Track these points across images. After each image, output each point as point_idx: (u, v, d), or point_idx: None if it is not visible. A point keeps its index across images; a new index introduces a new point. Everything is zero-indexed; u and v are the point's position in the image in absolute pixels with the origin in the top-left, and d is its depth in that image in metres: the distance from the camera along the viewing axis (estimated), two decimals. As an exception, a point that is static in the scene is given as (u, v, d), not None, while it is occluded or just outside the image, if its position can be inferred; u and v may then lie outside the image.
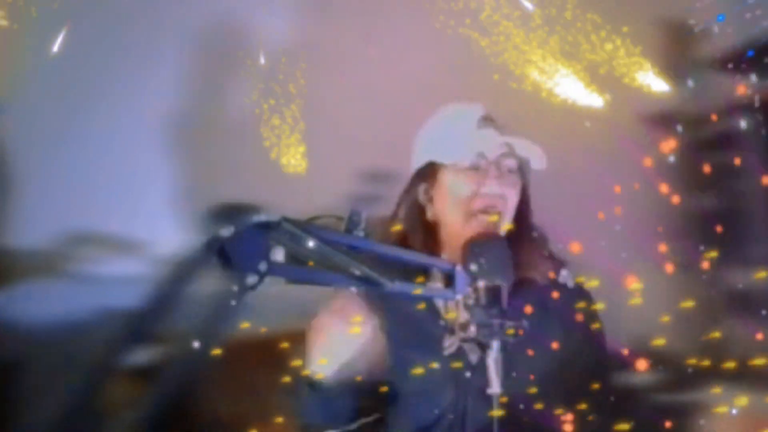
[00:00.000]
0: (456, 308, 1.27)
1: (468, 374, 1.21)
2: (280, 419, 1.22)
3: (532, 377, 1.21)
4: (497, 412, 1.00)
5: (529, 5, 2.22)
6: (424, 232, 1.31)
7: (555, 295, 1.30)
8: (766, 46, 2.42)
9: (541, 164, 1.31)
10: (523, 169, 1.33)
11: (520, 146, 1.29)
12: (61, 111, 1.94)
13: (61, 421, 0.62)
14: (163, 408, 0.65)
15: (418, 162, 1.34)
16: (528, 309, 1.23)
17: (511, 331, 0.98)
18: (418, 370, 1.22)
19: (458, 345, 1.24)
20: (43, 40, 1.92)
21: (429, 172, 1.32)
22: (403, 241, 1.30)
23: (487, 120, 1.31)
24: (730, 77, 2.62)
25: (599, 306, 1.32)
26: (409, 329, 1.26)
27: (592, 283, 1.28)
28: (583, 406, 1.23)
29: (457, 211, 1.27)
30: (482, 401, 1.07)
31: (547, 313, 1.27)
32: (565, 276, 1.34)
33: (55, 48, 1.92)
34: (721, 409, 1.00)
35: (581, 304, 1.31)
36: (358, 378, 1.21)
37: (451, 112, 1.35)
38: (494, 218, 1.26)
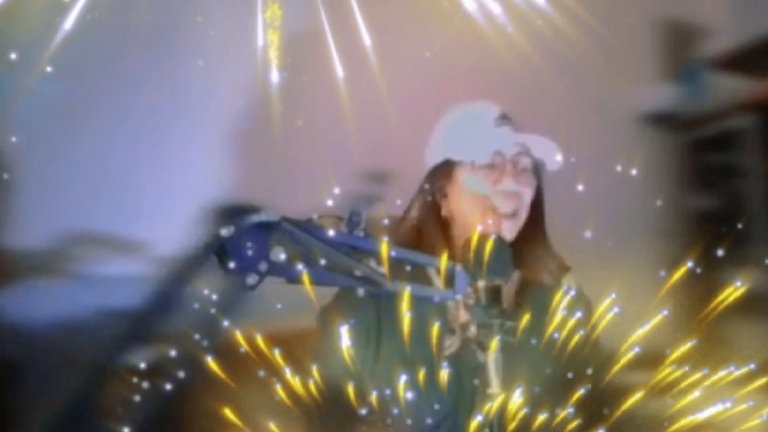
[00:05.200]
0: (456, 308, 1.28)
1: (467, 374, 1.21)
2: (279, 420, 1.22)
3: (531, 378, 1.21)
4: (496, 412, 1.00)
5: (527, 6, 2.22)
6: (438, 229, 1.32)
7: (557, 298, 1.30)
8: (766, 46, 2.42)
9: (557, 163, 1.31)
10: (537, 169, 1.33)
11: (536, 145, 1.30)
12: (61, 111, 1.94)
13: (62, 421, 0.62)
14: (162, 408, 0.65)
15: (433, 159, 1.34)
16: (532, 310, 1.23)
17: (493, 341, 0.98)
18: (420, 371, 1.22)
19: (458, 345, 1.24)
20: (45, 39, 1.92)
21: (445, 170, 1.33)
22: (416, 238, 1.31)
23: (504, 119, 1.31)
24: (730, 77, 2.62)
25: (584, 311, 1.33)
26: (410, 329, 1.26)
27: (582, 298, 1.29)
28: (575, 407, 1.23)
29: (474, 207, 1.28)
30: (484, 401, 1.07)
31: (549, 316, 1.27)
32: (569, 280, 1.35)
33: (57, 44, 1.92)
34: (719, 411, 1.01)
35: (580, 310, 1.32)
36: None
37: (468, 111, 1.35)
38: (509, 215, 1.27)
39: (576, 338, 1.29)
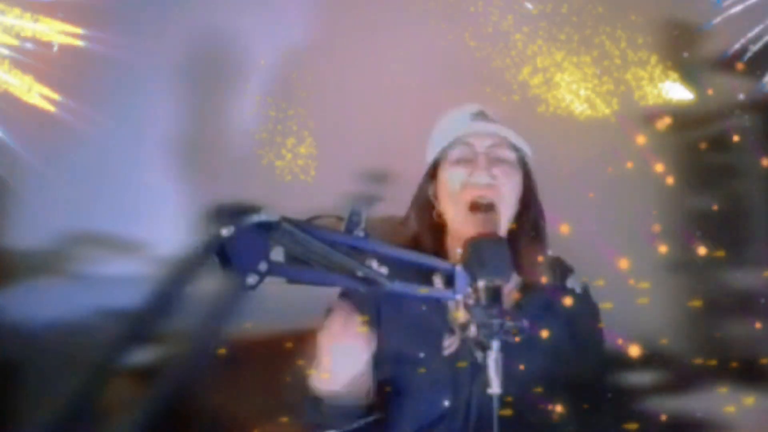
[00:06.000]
0: (456, 308, 1.27)
1: (467, 374, 1.21)
2: (280, 420, 1.22)
3: (535, 379, 1.21)
4: (497, 412, 1.00)
5: (528, 5, 2.22)
6: (433, 232, 1.33)
7: (562, 299, 1.30)
8: (766, 46, 2.42)
9: (529, 154, 1.32)
10: (524, 163, 1.33)
11: (516, 138, 1.30)
12: (61, 111, 1.94)
13: (61, 421, 0.62)
14: (163, 408, 0.65)
15: (426, 163, 1.36)
16: (536, 311, 1.23)
17: (517, 331, 0.98)
18: (419, 370, 1.22)
19: (458, 345, 1.24)
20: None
21: (433, 171, 1.33)
22: (416, 242, 1.31)
23: (481, 115, 1.32)
24: (731, 77, 2.62)
25: (606, 306, 1.32)
26: (411, 328, 1.27)
27: (597, 282, 1.28)
28: (585, 407, 1.23)
29: (452, 203, 1.29)
30: (486, 401, 1.07)
31: (555, 317, 1.27)
32: (572, 281, 1.35)
33: (55, 48, 1.92)
34: (728, 409, 1.00)
35: (587, 310, 1.32)
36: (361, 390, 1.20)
37: (451, 111, 1.36)
38: (486, 209, 1.26)
39: (581, 338, 1.29)
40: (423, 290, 1.03)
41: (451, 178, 1.29)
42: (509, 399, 0.99)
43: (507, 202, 1.29)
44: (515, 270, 1.26)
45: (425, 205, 1.35)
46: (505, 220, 1.29)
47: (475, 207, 1.26)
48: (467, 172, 1.27)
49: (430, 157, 1.35)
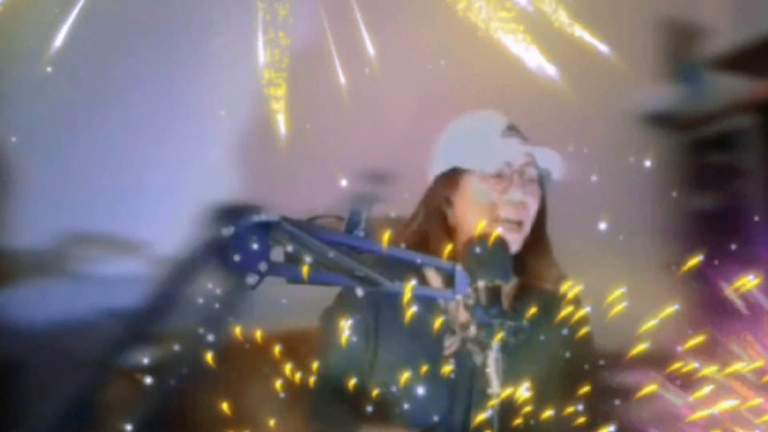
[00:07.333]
0: (456, 308, 1.27)
1: (467, 374, 1.21)
2: (278, 420, 1.22)
3: (531, 380, 1.21)
4: (497, 412, 1.00)
5: (530, 8, 2.22)
6: (443, 237, 1.32)
7: (555, 304, 1.30)
8: (766, 46, 2.42)
9: (561, 174, 1.32)
10: (543, 180, 1.33)
11: (542, 156, 1.30)
12: (62, 111, 1.94)
13: (62, 420, 0.62)
14: (162, 408, 0.65)
15: (440, 167, 1.34)
16: (532, 314, 1.23)
17: (499, 336, 0.98)
18: (419, 370, 1.22)
19: (458, 345, 1.24)
20: (45, 39, 1.93)
21: (452, 178, 1.32)
22: (421, 243, 1.31)
23: (512, 129, 1.31)
24: (730, 77, 2.62)
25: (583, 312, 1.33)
26: (411, 329, 1.26)
27: (575, 290, 1.28)
28: (576, 409, 1.24)
29: (480, 217, 1.27)
30: (484, 401, 1.07)
31: (547, 321, 1.27)
32: (566, 287, 1.35)
33: (58, 44, 1.93)
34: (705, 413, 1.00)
35: (577, 314, 1.32)
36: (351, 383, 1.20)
37: (475, 119, 1.35)
38: (515, 226, 1.26)
39: (574, 341, 1.29)
40: (423, 290, 1.03)
41: (481, 192, 1.28)
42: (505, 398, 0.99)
43: (531, 220, 1.30)
44: (516, 274, 1.27)
45: (437, 209, 1.34)
46: (525, 235, 1.30)
47: (505, 222, 1.26)
48: (501, 188, 1.27)
49: (448, 163, 1.33)
